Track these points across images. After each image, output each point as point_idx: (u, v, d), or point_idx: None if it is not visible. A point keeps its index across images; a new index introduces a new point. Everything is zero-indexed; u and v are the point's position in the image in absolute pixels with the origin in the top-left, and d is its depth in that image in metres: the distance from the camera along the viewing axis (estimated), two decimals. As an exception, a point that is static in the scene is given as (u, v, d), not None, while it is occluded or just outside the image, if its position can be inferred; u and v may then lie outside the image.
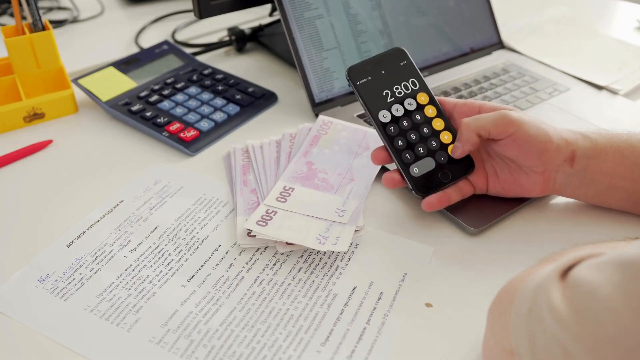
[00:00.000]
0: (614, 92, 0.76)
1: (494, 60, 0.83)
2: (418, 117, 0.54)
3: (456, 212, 0.54)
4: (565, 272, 0.31)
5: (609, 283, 0.28)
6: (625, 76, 0.78)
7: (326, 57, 0.71)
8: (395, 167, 0.53)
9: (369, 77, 0.54)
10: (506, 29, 0.88)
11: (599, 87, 0.77)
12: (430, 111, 0.54)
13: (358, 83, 0.54)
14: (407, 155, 0.52)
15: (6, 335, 0.44)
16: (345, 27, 0.72)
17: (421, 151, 0.53)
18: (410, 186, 0.52)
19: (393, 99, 0.54)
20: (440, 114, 0.54)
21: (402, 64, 0.55)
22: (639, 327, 0.26)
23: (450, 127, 0.54)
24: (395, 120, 0.53)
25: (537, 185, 0.52)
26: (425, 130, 0.53)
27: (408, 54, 0.56)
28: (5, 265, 0.50)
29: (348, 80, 0.54)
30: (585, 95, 0.76)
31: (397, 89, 0.54)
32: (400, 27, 0.76)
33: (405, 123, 0.53)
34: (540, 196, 0.55)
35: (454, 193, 0.53)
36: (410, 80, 0.55)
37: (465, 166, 0.53)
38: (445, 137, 0.53)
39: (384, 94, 0.54)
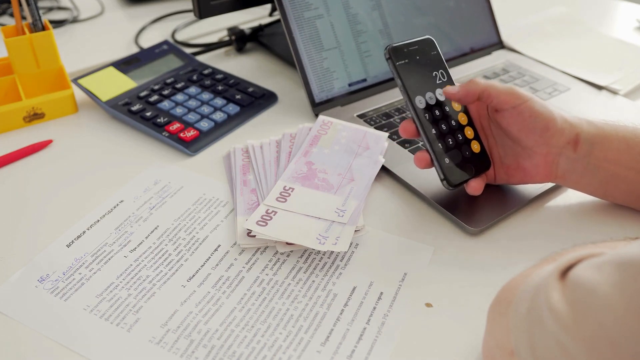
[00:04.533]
0: (614, 92, 0.76)
1: (494, 60, 0.83)
2: (447, 108, 0.54)
3: (456, 212, 0.54)
4: (565, 272, 0.31)
5: (608, 283, 0.28)
6: (625, 76, 0.78)
7: (326, 57, 0.71)
8: (423, 148, 0.53)
9: (407, 60, 0.53)
10: (506, 29, 0.88)
11: (599, 87, 0.77)
12: (457, 105, 0.54)
13: (398, 63, 0.53)
14: (440, 144, 0.52)
15: (6, 335, 0.44)
16: (345, 27, 0.72)
17: (450, 142, 0.53)
18: (442, 176, 0.52)
19: (427, 86, 0.54)
20: (464, 109, 0.54)
21: (432, 53, 0.55)
22: (638, 326, 0.26)
23: (472, 124, 0.54)
24: (429, 108, 0.53)
25: (540, 169, 0.52)
26: (453, 122, 0.53)
27: (436, 44, 0.56)
28: (5, 265, 0.50)
29: (388, 59, 0.53)
30: (585, 95, 0.76)
31: (429, 77, 0.54)
32: (400, 27, 0.76)
33: (437, 112, 0.53)
34: (545, 182, 0.55)
35: (484, 180, 0.54)
36: (440, 71, 0.55)
37: (485, 162, 0.53)
38: (469, 132, 0.54)
39: (419, 80, 0.53)
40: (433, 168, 0.53)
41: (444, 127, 0.53)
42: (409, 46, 0.54)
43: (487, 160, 0.54)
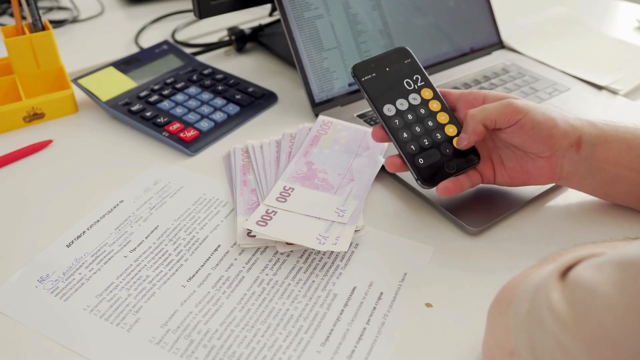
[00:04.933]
0: (614, 92, 0.76)
1: (494, 60, 0.83)
2: (422, 110, 0.55)
3: (456, 212, 0.54)
4: (565, 272, 0.31)
5: (609, 283, 0.28)
6: (625, 76, 0.78)
7: (326, 57, 0.71)
8: (397, 152, 0.54)
9: (374, 74, 0.55)
10: (506, 29, 0.88)
11: (599, 87, 0.77)
12: (434, 105, 0.55)
13: (363, 79, 0.55)
14: (412, 146, 0.53)
15: (6, 335, 0.44)
16: (345, 27, 0.72)
17: (426, 143, 0.53)
18: (416, 176, 0.53)
19: (397, 94, 0.55)
20: (444, 108, 0.55)
21: (406, 62, 0.57)
22: (638, 326, 0.26)
23: (454, 120, 0.55)
24: (399, 113, 0.54)
25: (544, 171, 0.52)
26: (430, 123, 0.54)
27: (412, 52, 0.57)
28: (5, 265, 0.50)
29: (353, 77, 0.55)
30: (585, 95, 0.76)
31: (401, 85, 0.55)
32: (400, 27, 0.76)
33: (409, 116, 0.54)
34: (548, 184, 0.55)
35: (465, 180, 0.53)
36: (415, 77, 0.56)
37: (470, 158, 0.54)
38: (450, 129, 0.54)
39: (388, 89, 0.55)
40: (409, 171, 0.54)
41: (417, 129, 0.54)
42: (377, 60, 0.56)
43: (475, 155, 0.54)
